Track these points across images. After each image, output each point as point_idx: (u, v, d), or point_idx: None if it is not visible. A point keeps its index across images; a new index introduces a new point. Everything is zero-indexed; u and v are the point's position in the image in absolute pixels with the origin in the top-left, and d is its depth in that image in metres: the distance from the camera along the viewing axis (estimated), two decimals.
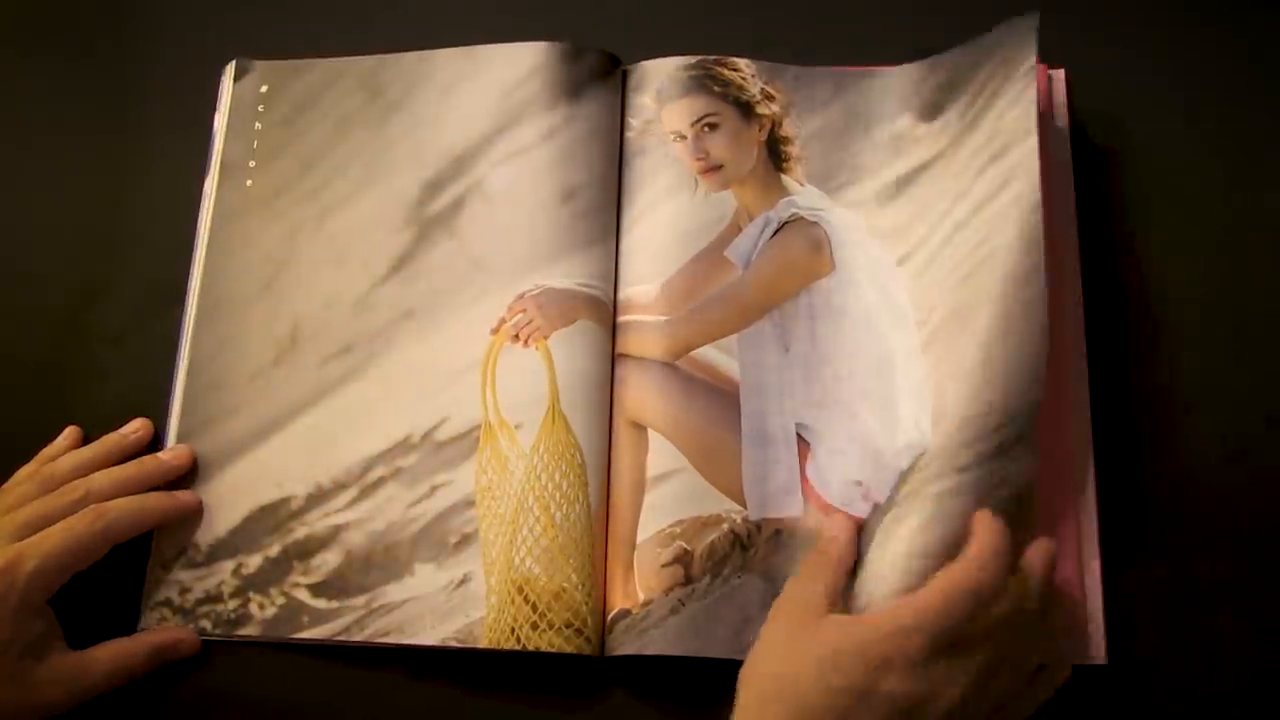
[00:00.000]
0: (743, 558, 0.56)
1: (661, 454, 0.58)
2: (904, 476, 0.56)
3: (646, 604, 0.56)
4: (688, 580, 0.56)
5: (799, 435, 0.58)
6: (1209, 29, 0.65)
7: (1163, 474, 0.58)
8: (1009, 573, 0.48)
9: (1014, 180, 0.56)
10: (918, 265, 0.60)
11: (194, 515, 0.60)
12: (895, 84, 0.64)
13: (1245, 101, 0.64)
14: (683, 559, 0.56)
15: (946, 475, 0.53)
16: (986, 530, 0.49)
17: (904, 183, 0.62)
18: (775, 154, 0.63)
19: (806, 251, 0.60)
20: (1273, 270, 0.61)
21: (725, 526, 0.57)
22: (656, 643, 0.55)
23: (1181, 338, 0.60)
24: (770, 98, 0.63)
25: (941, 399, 0.56)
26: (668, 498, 0.58)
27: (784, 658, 0.48)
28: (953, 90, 0.62)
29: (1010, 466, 0.52)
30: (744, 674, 0.49)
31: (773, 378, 0.59)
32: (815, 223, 0.60)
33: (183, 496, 0.59)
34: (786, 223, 0.61)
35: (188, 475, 0.60)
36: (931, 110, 0.62)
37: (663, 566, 0.56)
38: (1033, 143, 0.56)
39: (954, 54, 0.63)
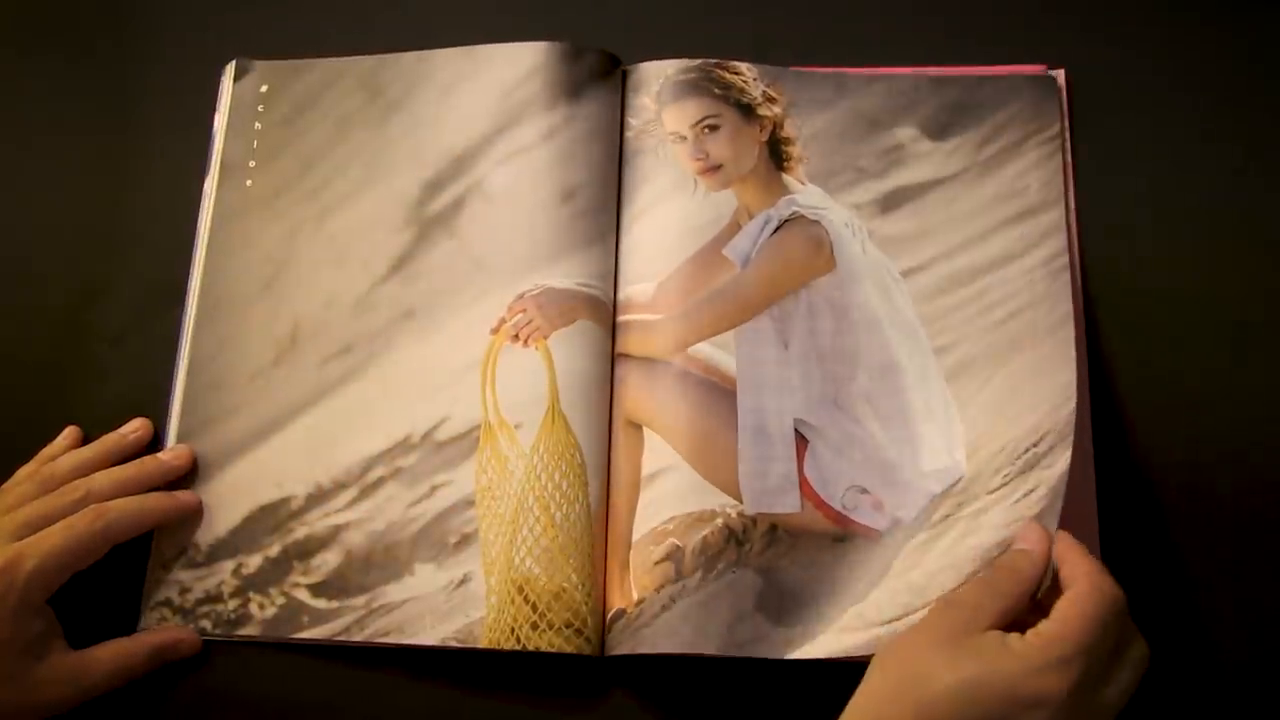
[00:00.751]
0: (738, 552, 0.56)
1: (655, 451, 0.58)
2: (936, 502, 0.56)
3: (640, 602, 0.56)
4: (679, 577, 0.56)
5: (797, 432, 0.58)
6: (1209, 29, 0.65)
7: (1163, 474, 0.58)
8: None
9: (1044, 244, 0.60)
10: (928, 286, 0.60)
11: (194, 515, 0.60)
12: (899, 91, 0.64)
13: (1245, 101, 0.64)
14: (674, 556, 0.56)
15: (979, 499, 0.56)
16: (1076, 552, 0.49)
17: (908, 194, 0.62)
18: (777, 154, 0.63)
19: (806, 249, 0.60)
20: (1273, 270, 0.61)
21: (719, 522, 0.57)
22: (649, 640, 0.55)
23: (1182, 338, 0.60)
24: (772, 100, 0.63)
25: (974, 431, 0.58)
26: (662, 495, 0.58)
27: (926, 662, 0.46)
28: (964, 116, 0.63)
29: (1042, 474, 0.55)
30: (881, 657, 0.48)
31: (771, 374, 0.59)
32: (816, 221, 0.60)
33: (183, 496, 0.59)
34: (787, 220, 0.61)
35: (188, 475, 0.60)
36: (939, 129, 0.63)
37: (655, 564, 0.56)
38: (1061, 210, 0.60)
39: (966, 79, 0.63)
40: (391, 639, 0.57)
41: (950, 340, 0.59)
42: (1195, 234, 0.62)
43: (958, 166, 0.62)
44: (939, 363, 0.59)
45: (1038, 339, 0.58)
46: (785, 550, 0.56)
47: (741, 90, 0.63)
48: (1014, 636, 0.46)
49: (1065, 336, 0.58)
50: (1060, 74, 0.64)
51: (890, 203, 0.62)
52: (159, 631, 0.58)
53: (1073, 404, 0.56)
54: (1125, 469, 0.57)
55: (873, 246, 0.61)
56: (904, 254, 0.61)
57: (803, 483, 0.57)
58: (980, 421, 0.58)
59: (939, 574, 0.54)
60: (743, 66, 0.64)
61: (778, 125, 0.63)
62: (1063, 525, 0.55)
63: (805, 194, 0.62)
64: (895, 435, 0.58)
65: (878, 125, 0.63)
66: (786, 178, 0.62)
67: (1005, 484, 0.56)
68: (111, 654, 0.55)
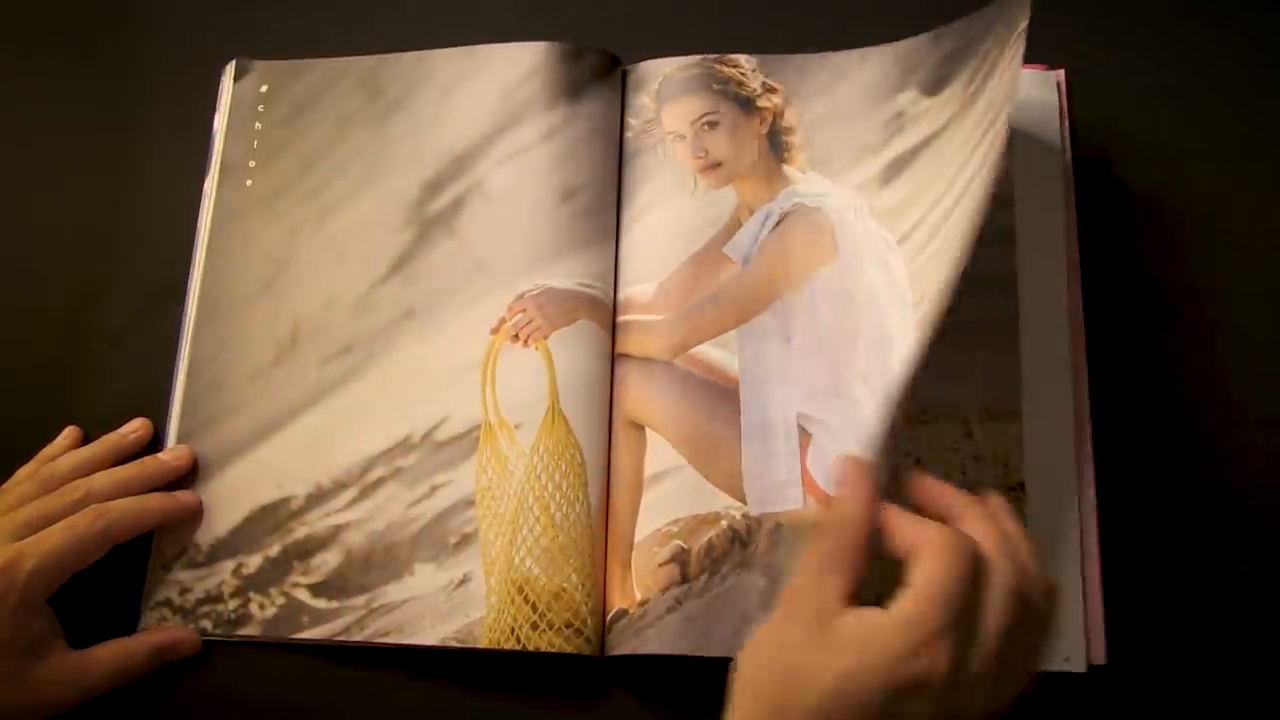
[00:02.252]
0: (742, 554, 0.56)
1: (658, 453, 0.58)
2: None
3: (643, 603, 0.56)
4: (684, 579, 0.56)
5: (800, 427, 0.58)
6: (1209, 29, 0.65)
7: (1163, 474, 0.58)
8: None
9: (995, 144, 0.53)
10: (914, 245, 0.59)
11: (194, 515, 0.60)
12: (899, 57, 0.63)
13: (1246, 102, 0.64)
14: (679, 558, 0.56)
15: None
16: (908, 520, 0.45)
17: (905, 160, 0.61)
18: (777, 145, 0.63)
19: (809, 239, 0.60)
20: (1273, 270, 0.61)
21: (724, 524, 0.57)
22: (653, 642, 0.55)
23: (1181, 337, 0.60)
24: (772, 90, 0.63)
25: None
26: (665, 497, 0.57)
27: (800, 662, 0.42)
28: (956, 62, 0.61)
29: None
30: (742, 672, 0.44)
31: (774, 370, 0.59)
32: (817, 208, 0.60)
33: (183, 497, 0.59)
34: (788, 213, 0.61)
35: (188, 475, 0.60)
36: (935, 84, 0.62)
37: (659, 566, 0.56)
38: (1007, 103, 0.53)
39: (958, 25, 0.62)
40: (391, 639, 0.57)
41: (923, 291, 0.57)
42: (1194, 234, 0.61)
43: (951, 113, 0.61)
44: (914, 316, 0.57)
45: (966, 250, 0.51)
46: (789, 549, 0.56)
47: (740, 83, 0.63)
48: (876, 615, 0.42)
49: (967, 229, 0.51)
50: (1060, 74, 0.64)
51: (890, 173, 0.61)
52: (159, 631, 0.58)
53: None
54: (1125, 469, 0.57)
55: (872, 223, 0.60)
56: (900, 221, 0.60)
57: (805, 477, 0.57)
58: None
59: None
60: (741, 59, 0.64)
61: (778, 115, 0.63)
62: (1063, 529, 0.56)
63: (806, 182, 0.61)
64: (879, 406, 0.56)
65: (879, 97, 0.63)
66: (787, 169, 0.62)
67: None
68: (112, 654, 0.55)
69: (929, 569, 0.43)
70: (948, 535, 0.44)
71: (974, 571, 0.43)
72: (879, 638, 0.42)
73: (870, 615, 0.43)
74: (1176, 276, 0.61)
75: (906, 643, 0.41)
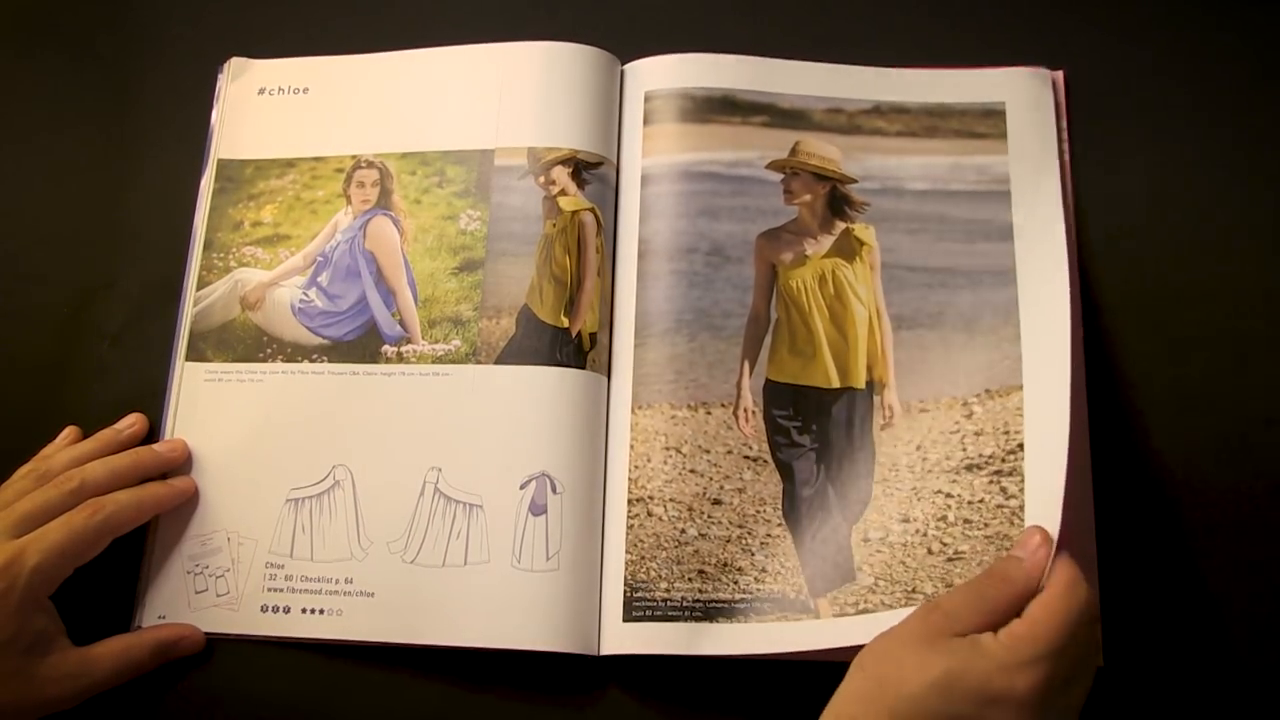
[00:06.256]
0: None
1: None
2: None
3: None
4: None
5: None
6: (1209, 29, 0.65)
7: (1163, 474, 0.57)
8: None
9: None
10: None
11: (192, 502, 0.60)
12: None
13: (1246, 102, 0.63)
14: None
15: None
16: (1045, 546, 0.49)
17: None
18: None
19: None
20: (1273, 270, 0.60)
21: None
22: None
23: (1182, 337, 0.60)
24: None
25: None
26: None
27: (900, 662, 0.46)
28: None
29: None
30: (861, 658, 0.48)
31: None
32: None
33: (179, 484, 0.59)
34: None
35: (183, 469, 0.60)
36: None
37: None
38: None
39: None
40: (391, 639, 0.57)
41: None
42: (1195, 234, 0.61)
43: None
44: None
45: None
46: None
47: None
48: (987, 636, 0.46)
49: None
50: (1059, 75, 0.64)
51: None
52: (161, 628, 0.58)
53: None
54: (1125, 469, 0.57)
55: None
56: None
57: None
58: None
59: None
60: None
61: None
62: (1062, 530, 0.55)
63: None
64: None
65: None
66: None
67: None
68: (114, 650, 0.56)
69: (1050, 600, 0.47)
70: (1074, 576, 0.48)
71: (1088, 618, 0.47)
72: (986, 648, 0.46)
73: (984, 636, 0.46)
74: (1177, 275, 0.61)
75: (1007, 657, 0.45)
